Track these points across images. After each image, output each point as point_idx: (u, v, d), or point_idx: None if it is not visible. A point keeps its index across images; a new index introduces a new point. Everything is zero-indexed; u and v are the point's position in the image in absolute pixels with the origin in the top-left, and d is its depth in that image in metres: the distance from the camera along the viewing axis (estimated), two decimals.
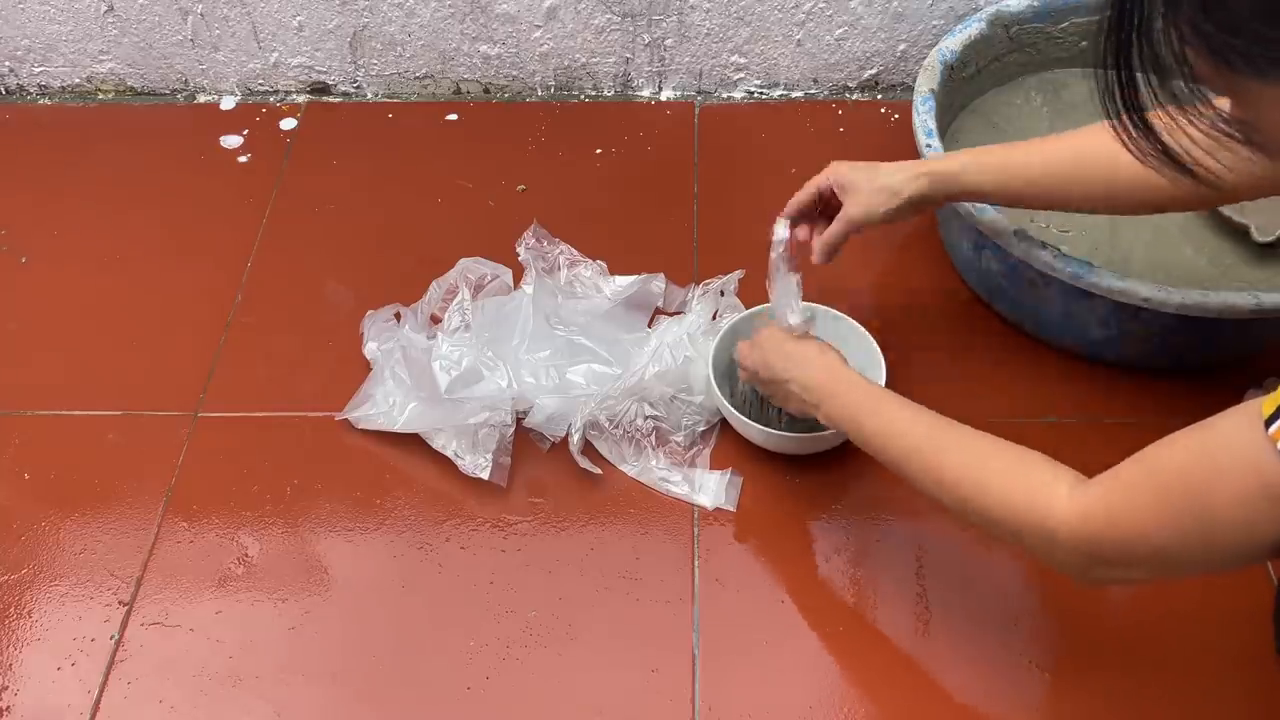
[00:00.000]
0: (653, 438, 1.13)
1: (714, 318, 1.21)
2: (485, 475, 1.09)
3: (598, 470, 1.11)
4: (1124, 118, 0.62)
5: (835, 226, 1.04)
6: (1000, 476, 0.79)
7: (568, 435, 1.13)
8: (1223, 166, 0.65)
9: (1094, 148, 0.94)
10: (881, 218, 1.02)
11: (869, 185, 1.02)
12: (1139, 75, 0.60)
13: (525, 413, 1.14)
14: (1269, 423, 0.60)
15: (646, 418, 1.13)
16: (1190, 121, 0.61)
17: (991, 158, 1.01)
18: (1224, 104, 0.61)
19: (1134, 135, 0.63)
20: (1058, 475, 0.77)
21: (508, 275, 1.26)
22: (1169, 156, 0.63)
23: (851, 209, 1.02)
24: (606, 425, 1.12)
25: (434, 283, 1.25)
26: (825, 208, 1.08)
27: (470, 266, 1.26)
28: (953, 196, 1.04)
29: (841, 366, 0.97)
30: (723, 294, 1.23)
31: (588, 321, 1.21)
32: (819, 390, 0.96)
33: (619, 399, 1.12)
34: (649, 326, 1.23)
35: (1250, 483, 0.61)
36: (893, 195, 1.01)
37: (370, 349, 1.21)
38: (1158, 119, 0.62)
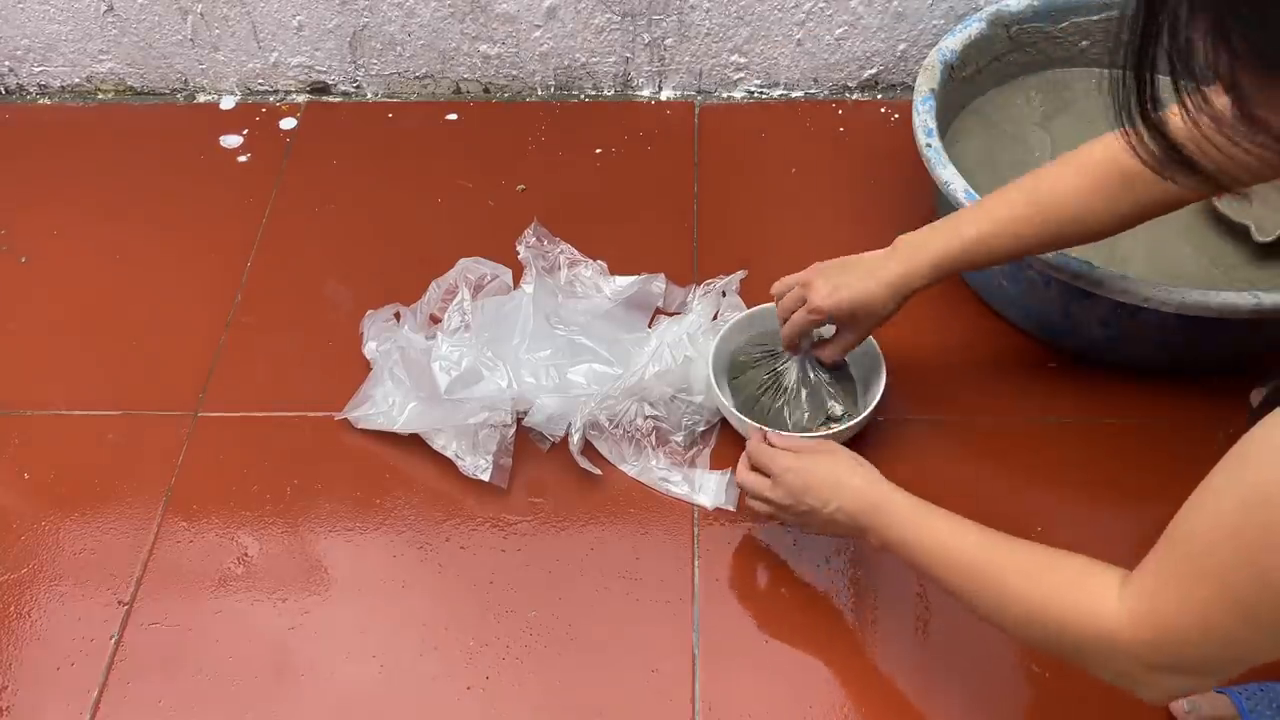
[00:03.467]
0: (653, 437, 1.13)
1: (714, 318, 1.21)
2: (485, 477, 1.09)
3: (597, 471, 1.11)
4: (1137, 120, 0.59)
5: (835, 351, 1.07)
6: (1049, 596, 0.73)
7: (568, 435, 1.13)
8: (1232, 163, 0.60)
9: (1053, 192, 0.93)
10: (878, 327, 1.04)
11: (861, 315, 1.01)
12: (1158, 77, 0.57)
13: (525, 412, 1.14)
14: None
15: (646, 417, 1.13)
16: (1205, 122, 0.57)
17: (969, 231, 0.97)
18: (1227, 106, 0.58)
19: (1144, 139, 0.60)
20: (1105, 584, 0.69)
21: (507, 275, 1.26)
22: (1180, 158, 0.60)
23: (849, 337, 1.05)
24: (606, 425, 1.12)
25: (434, 283, 1.25)
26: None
27: (470, 266, 1.26)
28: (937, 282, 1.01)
29: (877, 482, 0.90)
30: (724, 294, 1.23)
31: (588, 321, 1.21)
32: (863, 516, 0.89)
33: (619, 399, 1.12)
34: (649, 326, 1.23)
35: None
36: (884, 319, 1.02)
37: (370, 349, 1.21)
38: (1171, 120, 0.59)
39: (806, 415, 1.10)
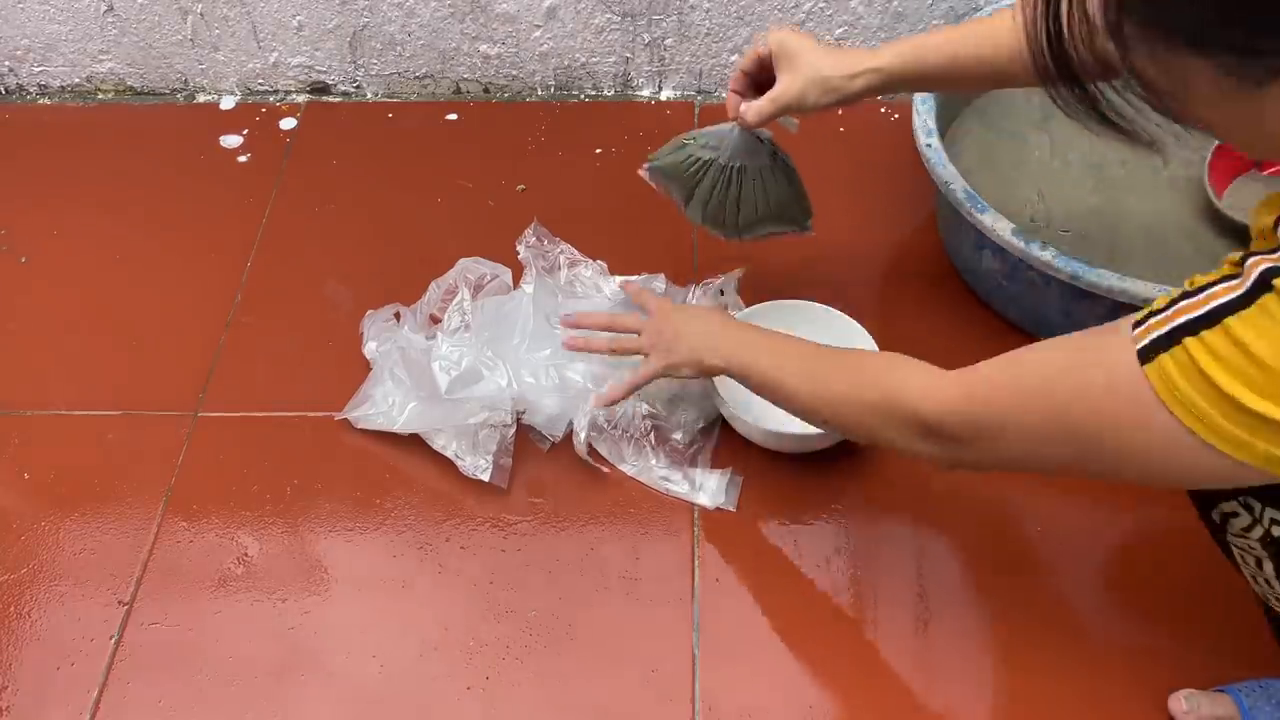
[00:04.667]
0: (652, 437, 1.13)
1: None
2: (485, 477, 1.09)
3: (605, 469, 1.11)
4: (1060, 84, 0.65)
5: (765, 104, 0.99)
6: (869, 376, 0.85)
7: (570, 435, 1.13)
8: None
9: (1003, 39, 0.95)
10: (812, 108, 0.99)
11: (808, 71, 0.97)
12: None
13: (524, 412, 1.14)
14: (1136, 325, 0.66)
15: (645, 416, 1.13)
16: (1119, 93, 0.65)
17: (929, 55, 0.98)
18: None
19: (1067, 99, 0.66)
20: (924, 366, 0.82)
21: (507, 275, 1.26)
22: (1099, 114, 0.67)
23: (784, 92, 0.98)
24: (605, 425, 1.12)
25: (433, 283, 1.25)
26: (762, 70, 1.03)
27: (470, 266, 1.26)
28: (888, 91, 1.01)
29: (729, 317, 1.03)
30: (722, 293, 1.23)
31: None
32: (717, 335, 0.99)
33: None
34: None
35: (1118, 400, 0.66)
36: (829, 90, 0.98)
37: (370, 349, 1.21)
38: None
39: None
